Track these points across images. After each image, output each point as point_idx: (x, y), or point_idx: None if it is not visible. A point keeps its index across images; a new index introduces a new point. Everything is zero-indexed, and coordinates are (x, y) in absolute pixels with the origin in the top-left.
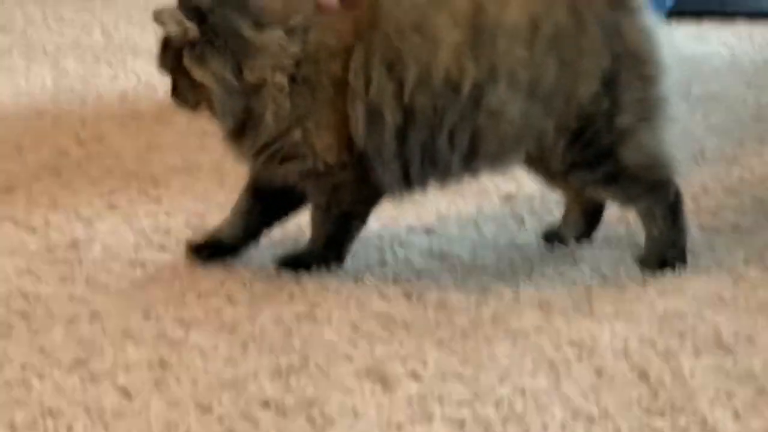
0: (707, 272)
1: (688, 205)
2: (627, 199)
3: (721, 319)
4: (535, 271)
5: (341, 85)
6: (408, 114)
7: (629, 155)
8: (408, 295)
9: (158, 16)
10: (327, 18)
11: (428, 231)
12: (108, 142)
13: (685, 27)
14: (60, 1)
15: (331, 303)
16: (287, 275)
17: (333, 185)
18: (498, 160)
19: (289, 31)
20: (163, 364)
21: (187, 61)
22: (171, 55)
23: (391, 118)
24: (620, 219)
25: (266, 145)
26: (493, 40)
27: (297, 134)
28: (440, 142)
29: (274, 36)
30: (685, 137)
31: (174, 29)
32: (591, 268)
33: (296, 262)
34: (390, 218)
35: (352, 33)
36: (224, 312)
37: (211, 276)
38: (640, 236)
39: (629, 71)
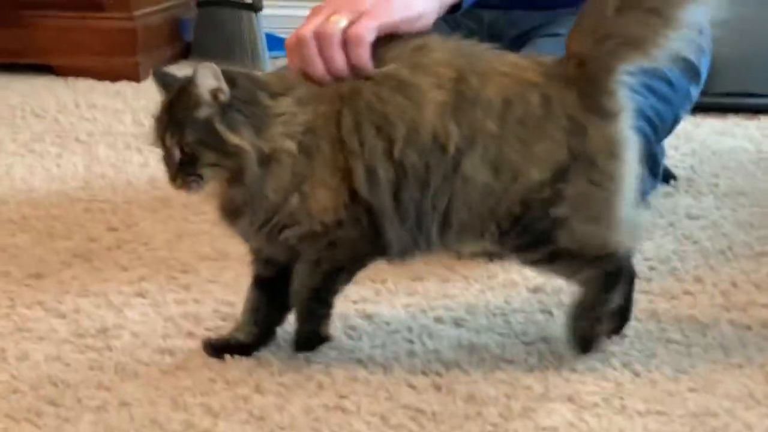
0: (739, 369)
1: (717, 299)
2: (571, 275)
3: (753, 418)
4: (565, 365)
5: (338, 144)
6: (399, 171)
7: (564, 239)
8: (437, 387)
9: (197, 71)
10: (317, 87)
11: (457, 322)
12: (138, 229)
13: (711, 122)
14: (92, 88)
15: (360, 394)
16: (316, 365)
17: (328, 242)
18: (465, 231)
19: (298, 100)
20: None
21: (220, 126)
22: (197, 124)
23: (384, 175)
24: (652, 314)
25: (267, 220)
26: (473, 108)
27: (294, 201)
28: (426, 203)
29: (287, 103)
30: (714, 232)
31: (210, 84)
32: (622, 363)
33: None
34: (419, 309)
35: (339, 98)
36: (252, 401)
37: (240, 365)
38: (673, 332)
39: (579, 171)
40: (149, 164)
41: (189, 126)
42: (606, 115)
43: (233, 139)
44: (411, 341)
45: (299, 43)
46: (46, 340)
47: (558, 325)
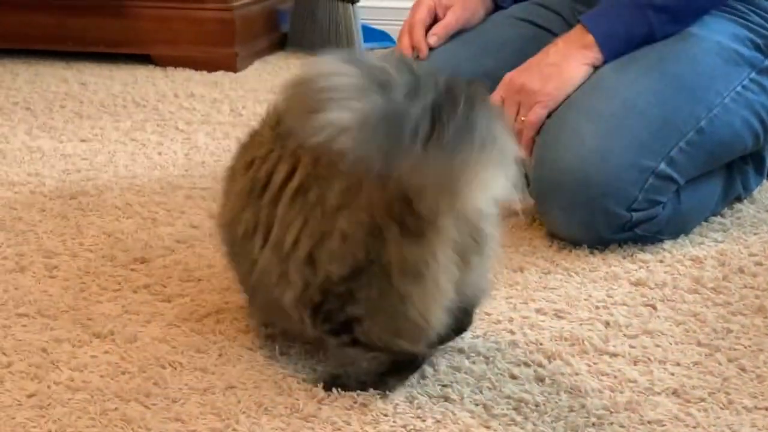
0: None
1: None
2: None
3: None
4: (669, 359)
5: None
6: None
7: (361, 335)
8: (540, 378)
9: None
10: None
11: (558, 314)
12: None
13: None
14: (190, 78)
15: (462, 383)
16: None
17: None
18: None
19: None
20: None
21: None
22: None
23: None
24: (759, 309)
25: None
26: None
27: None
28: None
29: None
30: None
31: None
32: (728, 358)
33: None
34: (520, 300)
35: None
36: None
37: None
38: None
39: (373, 277)
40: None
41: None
42: (409, 233)
43: None
44: (512, 332)
45: None
46: (152, 323)
47: (662, 319)
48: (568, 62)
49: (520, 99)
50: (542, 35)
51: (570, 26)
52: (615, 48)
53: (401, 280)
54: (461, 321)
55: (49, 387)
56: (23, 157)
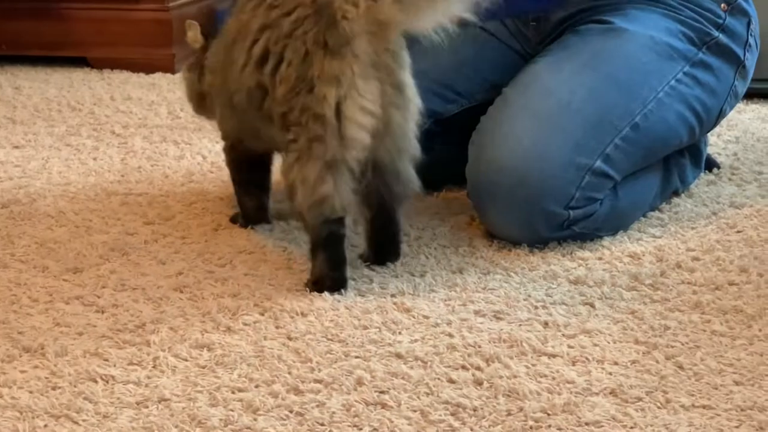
0: None
1: (763, 290)
2: None
3: None
4: (607, 358)
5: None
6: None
7: (282, 168)
8: (478, 382)
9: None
10: None
11: (497, 315)
12: (175, 223)
13: (755, 108)
14: (126, 80)
15: (400, 389)
16: (355, 360)
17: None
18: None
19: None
20: None
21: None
22: None
23: None
24: (696, 305)
25: None
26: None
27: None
28: None
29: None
30: (759, 221)
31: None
32: (665, 355)
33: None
34: (458, 303)
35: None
36: (291, 397)
37: (278, 360)
38: (717, 323)
39: (300, 96)
40: (185, 156)
41: None
42: (328, 51)
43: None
44: (451, 335)
45: None
46: (84, 336)
47: (600, 317)
48: None
49: None
50: (477, 33)
51: (500, 24)
52: None
53: (320, 85)
54: (388, 218)
55: None
56: None
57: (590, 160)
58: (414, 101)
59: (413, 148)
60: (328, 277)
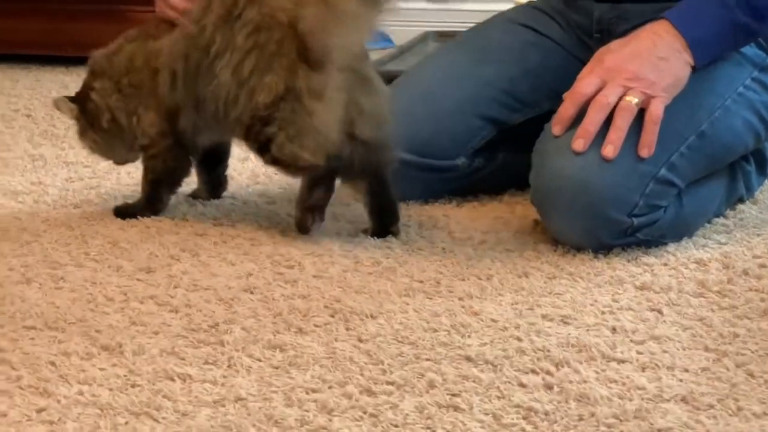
0: None
1: None
2: (290, 176)
3: None
4: (677, 365)
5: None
6: (186, 67)
7: (276, 151)
8: (548, 386)
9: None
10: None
11: (565, 320)
12: (243, 225)
13: None
14: None
15: (471, 392)
16: (426, 362)
17: (152, 155)
18: (221, 122)
19: (113, 81)
20: None
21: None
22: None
23: (180, 72)
24: (764, 312)
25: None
26: (233, 24)
27: (134, 121)
28: (199, 91)
29: (100, 85)
30: None
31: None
32: (735, 363)
33: (126, 212)
34: (525, 306)
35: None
36: (364, 400)
37: (351, 363)
38: None
39: (289, 103)
40: (249, 158)
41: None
42: (314, 66)
43: (82, 143)
44: (519, 339)
45: (581, 99)
46: (160, 335)
47: (668, 324)
48: (677, 60)
49: (631, 85)
50: (542, 41)
51: (565, 33)
52: (705, 58)
53: (309, 100)
54: (379, 179)
55: (59, 401)
56: (25, 165)
57: (654, 168)
58: (382, 88)
59: (387, 121)
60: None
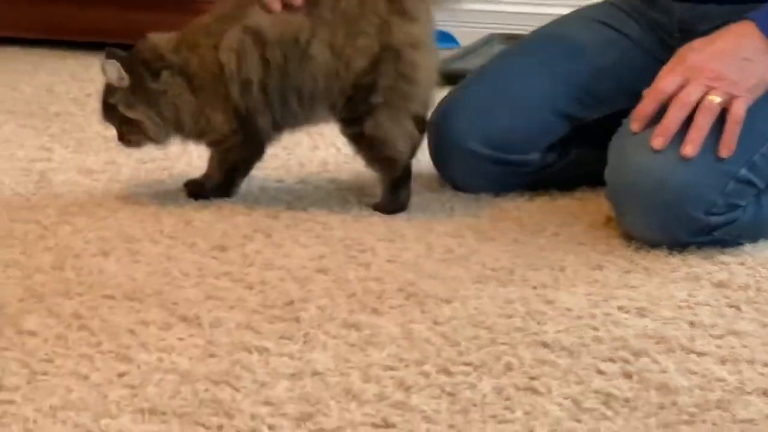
0: None
1: None
2: (367, 162)
3: None
4: (758, 359)
5: (218, 75)
6: (266, 69)
7: (370, 127)
8: (627, 375)
9: (103, 66)
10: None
11: (641, 312)
12: (314, 209)
13: None
14: None
15: (549, 376)
16: (502, 346)
17: (226, 148)
18: (317, 101)
19: (176, 70)
20: (388, 424)
21: (122, 108)
22: (112, 109)
23: (255, 78)
24: None
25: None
26: (316, 4)
27: (203, 121)
28: (287, 85)
29: (165, 77)
30: None
31: (114, 76)
32: None
33: (199, 193)
34: (600, 298)
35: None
36: (441, 379)
37: (427, 343)
38: None
39: (390, 63)
40: (319, 147)
41: (110, 111)
42: (407, 17)
43: (133, 114)
44: (596, 328)
45: (662, 97)
46: (236, 309)
47: (747, 320)
48: (762, 62)
49: (713, 85)
50: (620, 39)
51: (644, 32)
52: None
53: (410, 51)
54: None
55: (139, 367)
56: (99, 145)
57: (734, 167)
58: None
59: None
60: (401, 205)
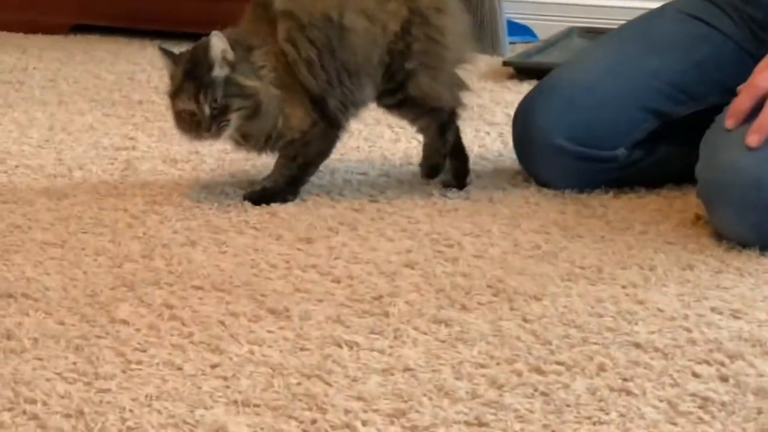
0: None
1: None
2: (412, 119)
3: None
4: None
5: (288, 67)
6: (313, 49)
7: (412, 89)
8: (723, 378)
9: (210, 39)
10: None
11: (735, 314)
12: (399, 203)
13: None
14: None
15: (643, 378)
16: (594, 346)
17: (303, 143)
18: (362, 76)
19: (264, 52)
20: (481, 423)
21: (239, 77)
22: (220, 82)
23: (310, 57)
24: None
25: (267, 138)
26: None
27: (280, 121)
28: (336, 62)
29: (258, 55)
30: None
31: (221, 47)
32: None
33: (260, 198)
34: (692, 299)
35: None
36: (534, 378)
37: (517, 340)
38: None
39: (419, 27)
40: (401, 140)
41: (215, 85)
42: None
43: (250, 83)
44: (689, 329)
45: (759, 93)
46: (324, 302)
47: None
48: None
49: None
50: (712, 34)
51: (738, 27)
52: None
53: (436, 15)
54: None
55: (230, 359)
56: None
57: None
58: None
59: None
60: (447, 149)
